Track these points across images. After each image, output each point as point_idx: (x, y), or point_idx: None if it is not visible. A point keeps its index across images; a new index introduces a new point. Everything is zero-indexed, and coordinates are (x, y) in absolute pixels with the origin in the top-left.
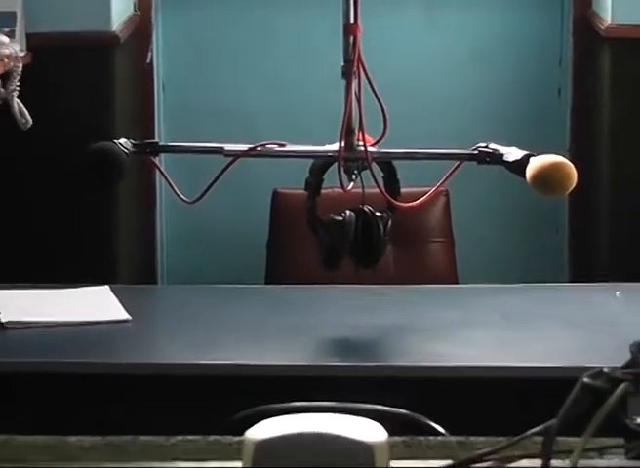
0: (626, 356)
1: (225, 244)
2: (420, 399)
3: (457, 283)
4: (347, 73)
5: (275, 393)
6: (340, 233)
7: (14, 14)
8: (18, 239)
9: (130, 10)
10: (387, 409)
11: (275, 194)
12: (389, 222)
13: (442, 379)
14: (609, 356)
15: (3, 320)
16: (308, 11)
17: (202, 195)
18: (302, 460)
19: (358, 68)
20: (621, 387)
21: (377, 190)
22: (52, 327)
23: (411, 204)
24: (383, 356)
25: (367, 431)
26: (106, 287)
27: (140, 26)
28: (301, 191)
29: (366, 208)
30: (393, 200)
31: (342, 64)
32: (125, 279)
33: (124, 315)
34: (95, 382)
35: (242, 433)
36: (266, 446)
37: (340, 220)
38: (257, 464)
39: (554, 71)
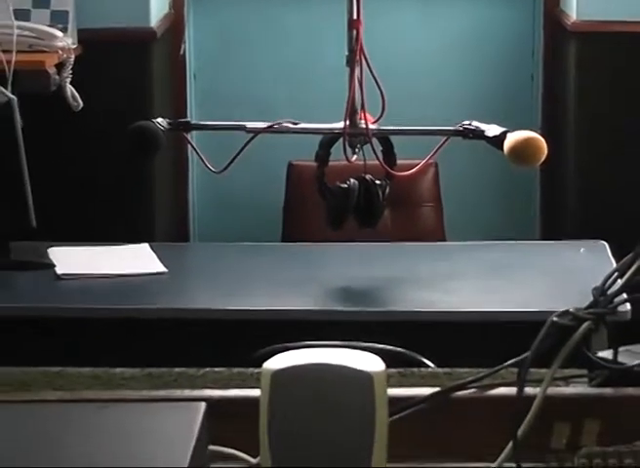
0: (589, 300)
1: (247, 208)
2: (413, 339)
3: (444, 241)
4: (351, 61)
5: (289, 333)
6: (345, 198)
7: (67, 12)
8: (71, 204)
9: (165, 9)
10: (386, 346)
11: (290, 165)
12: (387, 189)
13: (433, 322)
14: (575, 300)
15: (59, 272)
16: (317, 9)
17: (227, 166)
18: (312, 387)
19: (360, 57)
20: (585, 325)
21: (376, 162)
22: (99, 278)
23: (405, 173)
24: (382, 303)
25: (368, 363)
26: (146, 244)
27: (175, 23)
28: (312, 163)
29: (367, 177)
30: (390, 170)
31: (347, 54)
32: (162, 237)
33: (161, 268)
34: (135, 324)
35: (261, 366)
36: (281, 375)
37: (345, 187)
38: (273, 391)
39: (528, 60)
